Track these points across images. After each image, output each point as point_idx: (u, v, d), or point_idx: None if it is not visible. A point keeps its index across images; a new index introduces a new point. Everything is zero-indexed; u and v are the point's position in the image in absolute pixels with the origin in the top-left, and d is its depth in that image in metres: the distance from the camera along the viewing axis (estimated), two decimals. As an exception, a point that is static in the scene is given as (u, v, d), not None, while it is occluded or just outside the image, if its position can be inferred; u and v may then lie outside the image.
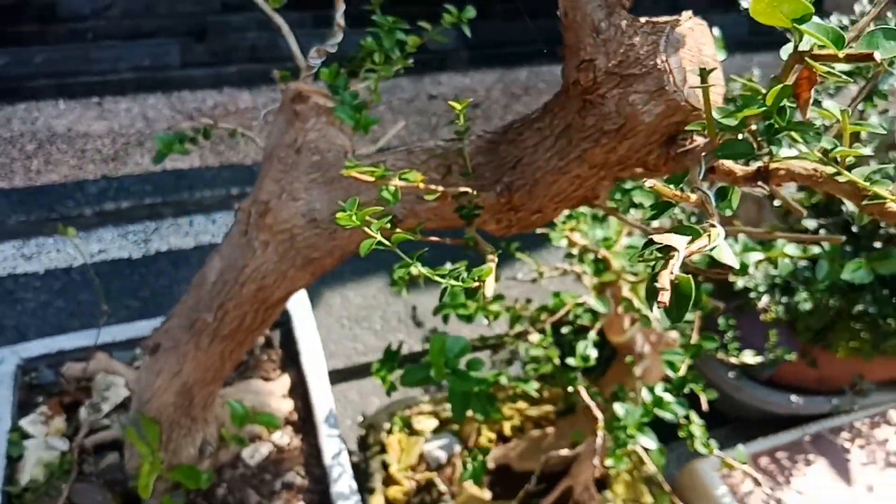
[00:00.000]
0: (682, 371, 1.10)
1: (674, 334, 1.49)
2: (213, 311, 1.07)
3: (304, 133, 0.97)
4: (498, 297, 1.65)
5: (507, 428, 1.91)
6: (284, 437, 1.52)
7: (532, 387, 1.57)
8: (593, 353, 1.23)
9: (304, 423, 1.54)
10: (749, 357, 1.48)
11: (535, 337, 1.62)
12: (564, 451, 1.51)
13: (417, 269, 0.61)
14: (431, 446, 1.87)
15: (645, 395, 1.11)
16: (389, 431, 1.92)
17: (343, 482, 1.40)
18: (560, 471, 1.82)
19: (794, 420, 1.99)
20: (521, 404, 2.00)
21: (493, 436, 1.89)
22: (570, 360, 1.23)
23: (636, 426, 1.13)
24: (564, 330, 1.68)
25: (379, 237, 0.63)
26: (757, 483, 1.14)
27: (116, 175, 2.71)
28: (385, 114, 3.16)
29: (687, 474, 1.94)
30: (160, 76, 3.21)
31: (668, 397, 1.09)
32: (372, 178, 0.68)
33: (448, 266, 0.61)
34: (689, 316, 1.28)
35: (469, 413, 1.48)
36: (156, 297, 2.34)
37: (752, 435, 1.92)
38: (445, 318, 1.70)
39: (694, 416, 1.21)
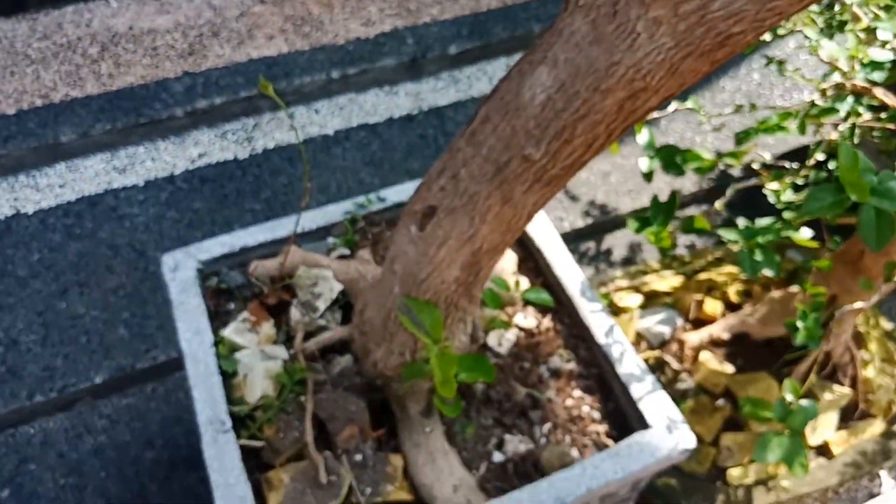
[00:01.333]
0: None
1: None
2: (544, 142, 0.79)
3: None
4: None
5: (732, 294, 1.67)
6: (529, 319, 1.27)
7: (802, 235, 1.31)
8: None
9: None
10: None
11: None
12: (861, 304, 1.26)
13: None
14: (649, 322, 1.63)
15: None
16: (593, 312, 1.68)
17: (629, 362, 1.16)
18: (808, 334, 1.59)
19: None
20: (732, 268, 1.75)
21: (718, 304, 1.65)
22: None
23: None
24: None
25: None
26: None
27: (199, 70, 2.38)
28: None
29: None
30: (215, -41, 2.82)
31: None
32: None
33: None
34: None
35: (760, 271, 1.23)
36: (279, 197, 2.07)
37: None
38: (649, 176, 1.43)
39: None
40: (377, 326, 1.08)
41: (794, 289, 1.57)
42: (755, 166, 1.53)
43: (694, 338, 1.60)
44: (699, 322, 1.65)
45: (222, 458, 1.04)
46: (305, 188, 1.07)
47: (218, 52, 2.44)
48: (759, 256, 1.21)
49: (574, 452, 1.12)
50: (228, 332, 1.20)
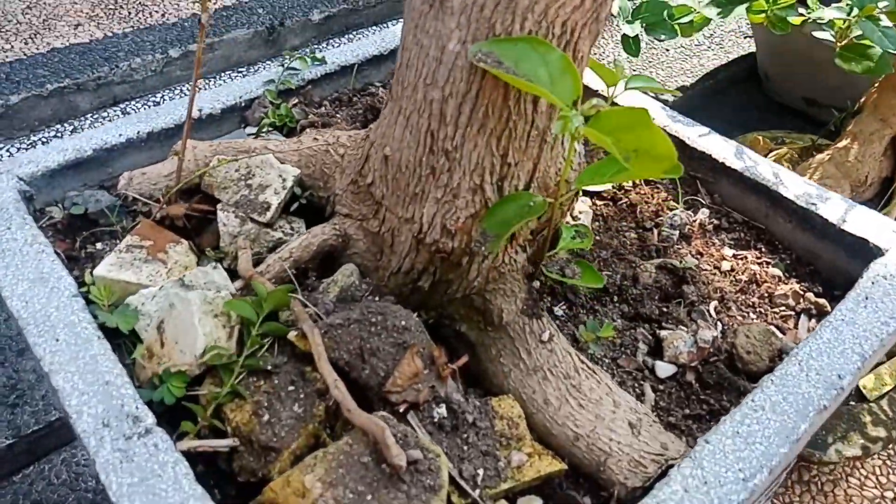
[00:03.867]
0: None
1: None
2: None
3: None
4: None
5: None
6: (604, 179, 0.80)
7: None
8: None
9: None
10: None
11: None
12: None
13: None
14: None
15: None
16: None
17: (791, 181, 0.71)
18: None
19: None
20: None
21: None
22: None
23: None
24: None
25: None
26: None
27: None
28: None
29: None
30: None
31: None
32: None
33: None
34: None
35: None
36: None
37: None
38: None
39: None
40: (412, 164, 0.56)
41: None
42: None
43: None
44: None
45: (154, 492, 0.46)
46: (201, 33, 0.55)
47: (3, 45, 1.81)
48: (887, 23, 0.85)
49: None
50: (103, 270, 0.62)
